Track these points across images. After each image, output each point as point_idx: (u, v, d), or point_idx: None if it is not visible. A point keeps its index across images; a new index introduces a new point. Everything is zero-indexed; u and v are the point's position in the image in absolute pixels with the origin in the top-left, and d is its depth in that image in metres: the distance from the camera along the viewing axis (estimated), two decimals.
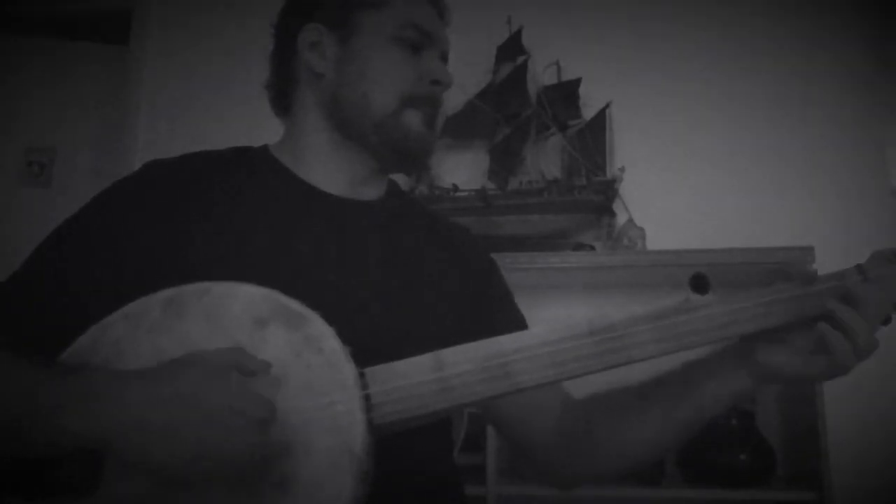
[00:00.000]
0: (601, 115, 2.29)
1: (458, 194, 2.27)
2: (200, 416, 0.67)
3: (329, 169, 0.97)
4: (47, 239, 0.88)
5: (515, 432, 1.01)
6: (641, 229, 2.14)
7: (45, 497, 0.70)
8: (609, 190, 2.20)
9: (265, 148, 1.01)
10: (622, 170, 2.21)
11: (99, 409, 0.67)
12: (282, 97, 1.01)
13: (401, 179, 2.13)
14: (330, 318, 0.75)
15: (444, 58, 1.00)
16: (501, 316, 1.02)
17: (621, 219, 2.20)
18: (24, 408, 0.69)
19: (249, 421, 0.67)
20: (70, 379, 0.70)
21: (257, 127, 1.10)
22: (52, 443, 0.68)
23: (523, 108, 2.33)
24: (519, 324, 1.02)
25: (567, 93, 2.32)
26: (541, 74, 2.36)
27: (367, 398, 0.73)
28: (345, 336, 0.74)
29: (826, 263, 0.84)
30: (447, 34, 1.01)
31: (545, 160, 2.31)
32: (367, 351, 0.75)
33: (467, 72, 2.34)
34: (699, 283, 0.81)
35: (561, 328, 0.78)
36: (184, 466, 0.67)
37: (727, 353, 0.85)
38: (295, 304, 0.75)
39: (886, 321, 0.81)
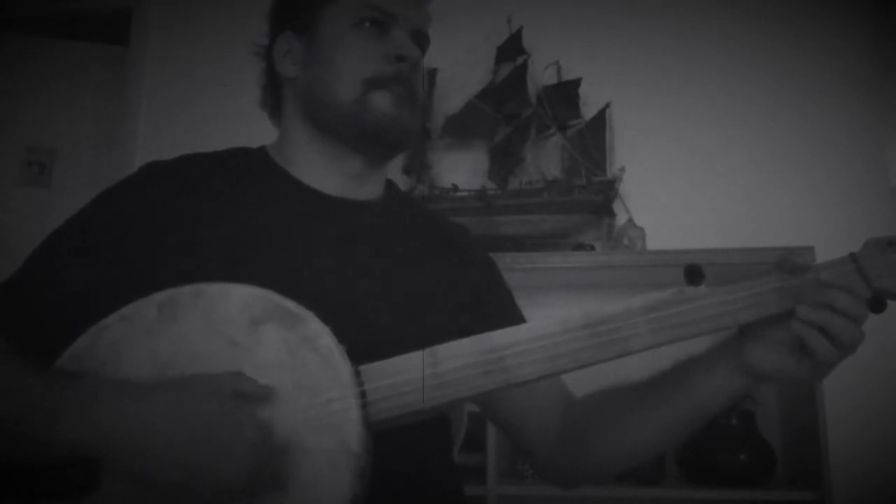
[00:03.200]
0: (601, 115, 2.29)
1: (458, 194, 2.27)
2: (198, 436, 0.67)
3: (320, 169, 0.97)
4: (46, 240, 0.88)
5: (516, 430, 1.01)
6: (641, 229, 2.14)
7: (42, 499, 0.70)
8: (609, 190, 2.20)
9: (263, 149, 1.01)
10: (622, 170, 2.21)
11: (96, 420, 0.68)
12: (276, 110, 1.03)
13: (400, 180, 2.14)
14: (326, 318, 0.75)
15: (418, 34, 0.98)
16: (502, 314, 1.01)
17: (621, 219, 2.20)
18: (22, 414, 0.69)
19: (247, 448, 0.68)
20: (69, 387, 0.70)
21: (256, 127, 1.10)
22: (50, 450, 0.68)
23: (523, 108, 2.33)
24: (520, 322, 1.01)
25: (567, 93, 2.32)
26: (541, 74, 2.36)
27: (362, 395, 0.73)
28: (341, 335, 0.74)
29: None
30: (425, 9, 0.99)
31: (545, 160, 2.31)
32: (364, 349, 0.75)
33: (467, 72, 2.34)
34: (693, 275, 0.80)
35: (556, 322, 0.78)
36: (176, 486, 0.67)
37: (720, 352, 0.84)
38: (290, 304, 0.75)
39: (879, 308, 0.80)
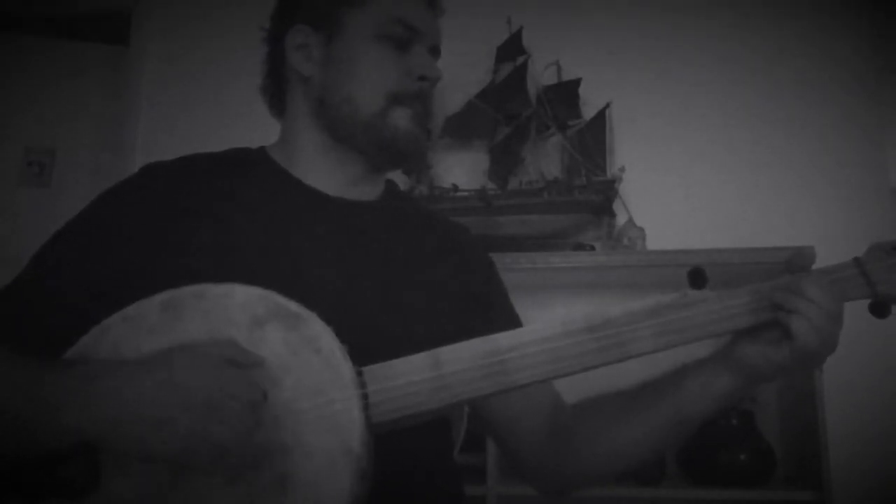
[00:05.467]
0: (601, 115, 2.29)
1: (458, 194, 2.27)
2: (193, 402, 0.68)
3: (323, 170, 0.97)
4: (48, 242, 0.88)
5: (507, 434, 1.01)
6: (641, 229, 2.14)
7: (45, 498, 0.70)
8: (609, 190, 2.20)
9: (263, 149, 1.01)
10: (622, 170, 2.21)
11: (95, 400, 0.68)
12: (277, 100, 1.02)
13: (400, 180, 2.14)
14: (328, 318, 0.75)
15: (434, 50, 0.98)
16: (500, 316, 1.02)
17: (621, 219, 2.20)
18: (24, 404, 0.69)
19: (241, 404, 0.68)
20: (68, 373, 0.71)
21: (256, 128, 1.10)
22: (49, 439, 0.68)
23: (523, 108, 2.33)
24: (516, 324, 1.01)
25: (567, 93, 2.32)
26: (541, 74, 2.36)
27: (365, 397, 0.73)
28: (343, 335, 0.75)
29: (826, 263, 0.84)
30: (439, 24, 0.99)
31: (545, 160, 2.31)
32: (365, 350, 0.75)
33: (467, 72, 2.34)
34: (697, 278, 0.81)
35: (558, 324, 0.78)
36: (178, 454, 0.68)
37: (710, 353, 0.85)
38: (292, 304, 0.75)
39: (884, 313, 0.80)
